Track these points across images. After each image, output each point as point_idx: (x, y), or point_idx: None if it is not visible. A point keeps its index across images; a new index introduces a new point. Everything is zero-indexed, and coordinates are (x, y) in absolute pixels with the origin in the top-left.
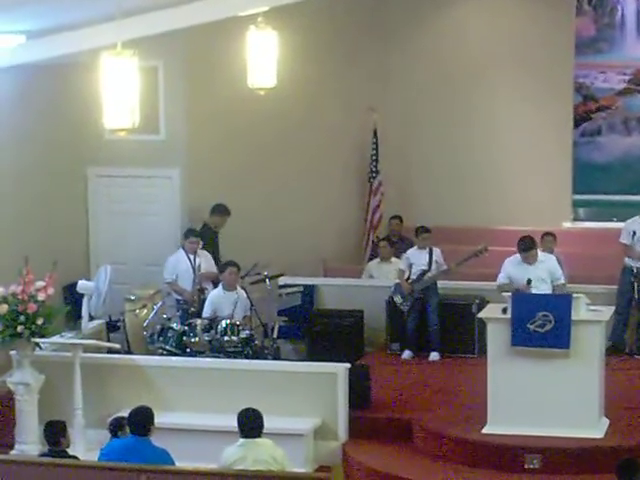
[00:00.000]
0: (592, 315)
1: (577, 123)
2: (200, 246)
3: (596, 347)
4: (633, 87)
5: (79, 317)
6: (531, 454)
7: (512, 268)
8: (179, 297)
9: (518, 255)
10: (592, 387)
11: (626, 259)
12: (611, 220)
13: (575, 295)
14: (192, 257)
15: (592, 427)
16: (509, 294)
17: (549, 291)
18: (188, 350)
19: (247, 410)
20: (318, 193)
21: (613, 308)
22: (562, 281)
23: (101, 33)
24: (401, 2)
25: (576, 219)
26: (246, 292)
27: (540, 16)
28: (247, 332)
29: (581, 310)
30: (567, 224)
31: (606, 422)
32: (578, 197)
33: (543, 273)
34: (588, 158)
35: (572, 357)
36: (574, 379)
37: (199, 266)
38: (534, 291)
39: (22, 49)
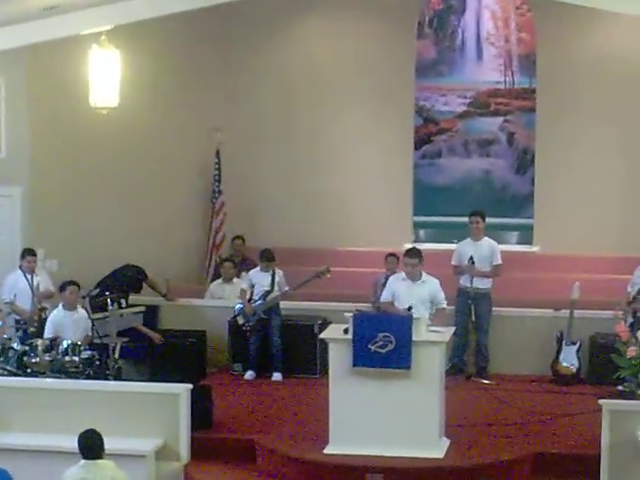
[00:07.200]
0: (432, 336)
1: (418, 145)
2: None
3: (436, 368)
4: (473, 110)
5: None
6: (372, 474)
7: (397, 285)
8: (18, 317)
9: (403, 273)
10: (432, 407)
11: (461, 281)
12: (451, 242)
13: (415, 316)
14: (30, 276)
15: (433, 447)
16: (350, 315)
17: (427, 314)
18: (29, 370)
19: (87, 431)
20: (162, 213)
21: (453, 329)
22: (444, 305)
23: None
24: (247, 21)
25: (417, 240)
26: (87, 312)
27: (383, 36)
28: (88, 352)
29: (422, 331)
30: (408, 245)
31: (446, 442)
32: (419, 219)
33: (425, 294)
34: (429, 180)
35: (413, 378)
36: (415, 399)
37: (37, 285)
38: (414, 313)
39: None
